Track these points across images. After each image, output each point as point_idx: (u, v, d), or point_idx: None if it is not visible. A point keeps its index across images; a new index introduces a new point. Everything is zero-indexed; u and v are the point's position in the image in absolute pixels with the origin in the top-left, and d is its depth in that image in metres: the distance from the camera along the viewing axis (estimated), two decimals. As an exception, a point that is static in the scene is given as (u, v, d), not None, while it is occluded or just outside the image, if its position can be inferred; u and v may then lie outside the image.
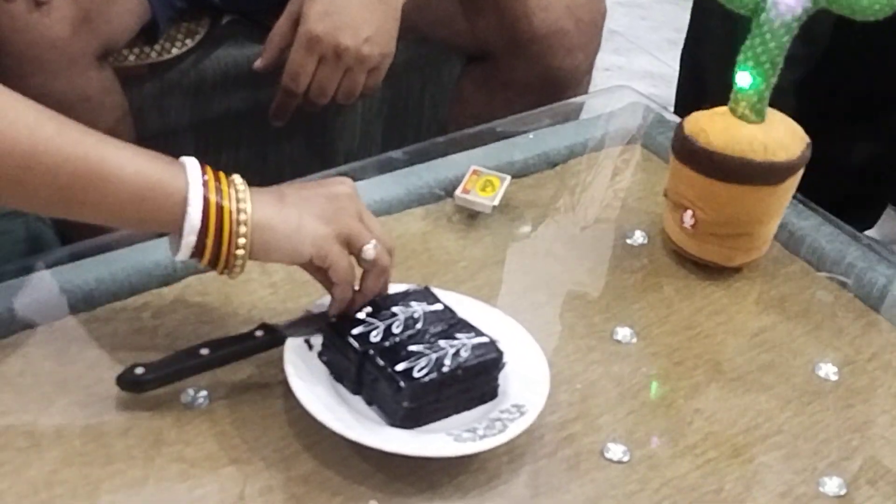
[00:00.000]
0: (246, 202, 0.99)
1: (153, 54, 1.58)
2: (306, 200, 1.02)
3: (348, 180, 1.06)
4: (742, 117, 1.18)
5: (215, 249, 0.99)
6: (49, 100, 1.38)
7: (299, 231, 1.00)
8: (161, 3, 1.54)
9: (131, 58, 1.56)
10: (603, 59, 1.66)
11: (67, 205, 0.98)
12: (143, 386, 0.99)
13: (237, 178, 1.01)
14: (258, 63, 1.48)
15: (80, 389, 1.01)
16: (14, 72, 1.36)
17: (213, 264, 1.00)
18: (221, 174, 1.01)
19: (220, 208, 0.98)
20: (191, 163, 1.00)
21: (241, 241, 0.99)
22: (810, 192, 1.30)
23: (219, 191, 0.99)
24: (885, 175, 2.19)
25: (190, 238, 0.98)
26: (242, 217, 0.98)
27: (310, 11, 1.39)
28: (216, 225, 0.98)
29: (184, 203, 0.97)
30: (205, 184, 0.98)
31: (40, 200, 0.99)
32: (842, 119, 2.03)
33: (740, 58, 1.16)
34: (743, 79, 1.17)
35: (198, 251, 0.99)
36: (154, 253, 1.17)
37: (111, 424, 0.98)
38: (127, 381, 0.99)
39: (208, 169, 1.00)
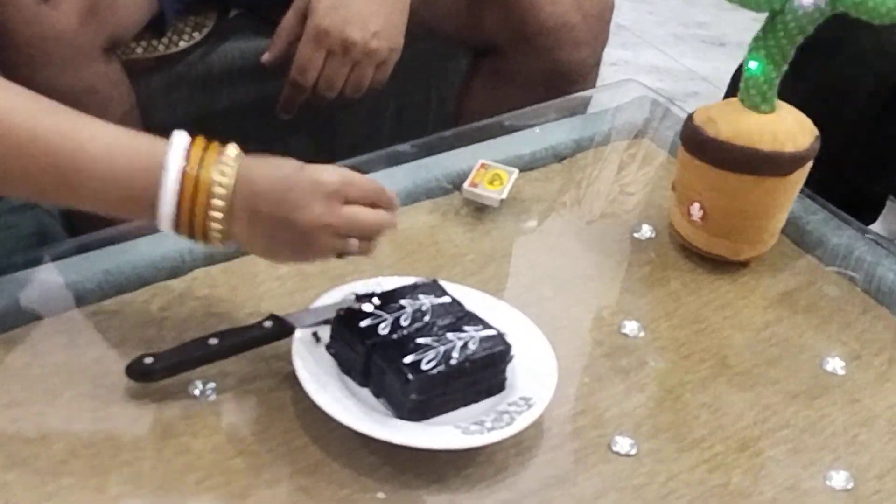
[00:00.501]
0: (227, 172, 0.99)
1: (161, 47, 1.58)
2: (276, 239, 1.01)
3: (334, 182, 1.01)
4: (752, 106, 1.18)
5: (189, 214, 0.98)
6: (56, 92, 1.38)
7: (272, 256, 1.03)
8: (168, -5, 1.54)
9: (139, 50, 1.56)
10: (610, 54, 1.66)
11: (47, 189, 0.99)
12: (152, 375, 0.99)
13: (231, 149, 1.02)
14: (266, 56, 1.48)
15: (87, 381, 1.01)
16: (21, 65, 1.36)
17: (189, 230, 1.00)
18: (215, 144, 1.01)
19: (195, 178, 0.98)
20: (179, 134, 1.00)
21: (218, 203, 0.98)
22: (812, 189, 1.29)
23: (200, 161, 0.99)
24: (887, 172, 2.18)
25: (166, 208, 0.98)
26: (218, 179, 0.98)
27: (318, 5, 1.39)
28: (191, 194, 0.98)
29: (160, 173, 0.97)
30: (186, 155, 0.98)
31: (17, 183, 0.99)
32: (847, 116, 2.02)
33: (751, 45, 1.17)
34: (753, 65, 1.17)
35: (175, 217, 0.99)
36: (161, 245, 1.17)
37: (119, 416, 0.98)
38: (136, 371, 0.99)
39: (199, 139, 1.00)
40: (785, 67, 1.17)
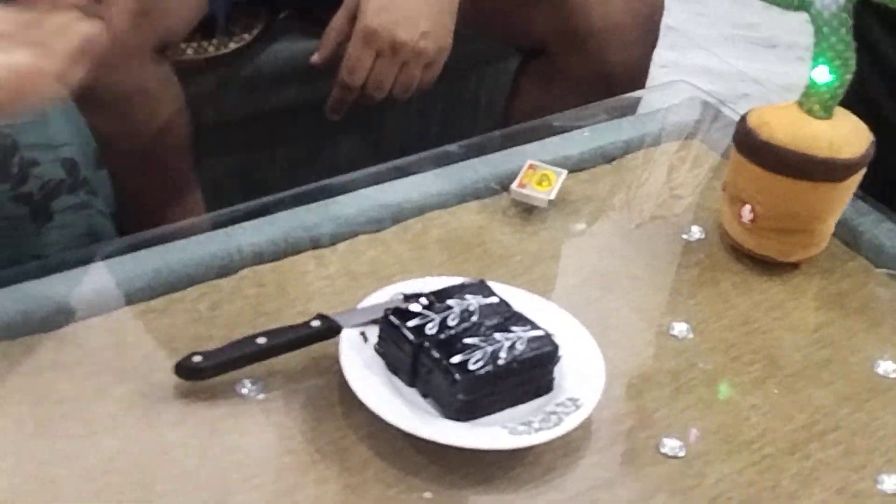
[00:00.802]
0: None
1: (210, 48, 1.59)
2: None
3: None
4: (810, 112, 1.17)
5: None
6: (107, 92, 1.40)
7: None
8: (218, -4, 1.55)
9: (189, 51, 1.57)
10: (659, 55, 1.65)
11: None
12: (201, 373, 1.00)
13: None
14: (315, 57, 1.49)
15: (136, 379, 1.02)
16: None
17: None
18: None
19: None
20: None
21: None
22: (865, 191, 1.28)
23: None
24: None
25: None
26: None
27: (367, 6, 1.39)
28: None
29: None
30: None
31: None
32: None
33: (815, 51, 1.15)
34: (819, 74, 1.15)
35: None
36: (210, 244, 1.18)
37: (167, 414, 0.99)
38: (185, 369, 1.00)
39: None
40: (848, 77, 1.15)
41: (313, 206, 1.25)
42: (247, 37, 1.62)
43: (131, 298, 1.11)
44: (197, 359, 1.00)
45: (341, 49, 1.44)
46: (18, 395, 1.00)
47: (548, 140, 1.39)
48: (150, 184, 1.51)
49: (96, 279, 1.14)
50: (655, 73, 1.67)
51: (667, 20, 1.65)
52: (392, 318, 1.02)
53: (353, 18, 1.42)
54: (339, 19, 1.46)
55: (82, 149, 1.25)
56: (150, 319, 1.08)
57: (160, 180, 1.52)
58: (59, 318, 1.07)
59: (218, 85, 1.63)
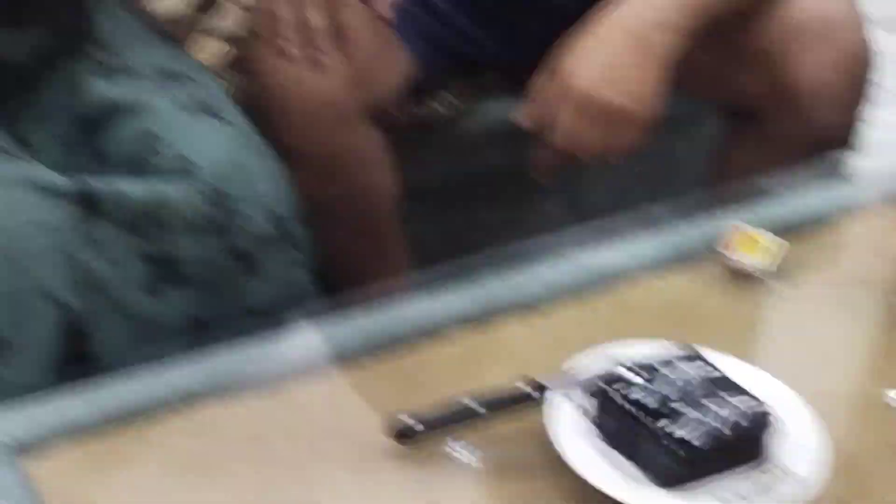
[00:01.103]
0: None
1: (417, 111, 1.61)
2: None
3: None
4: None
5: None
6: (319, 154, 1.43)
7: None
8: (426, 61, 1.57)
9: (397, 115, 1.60)
10: (870, 114, 1.61)
11: None
12: (412, 436, 1.00)
13: None
14: (519, 118, 1.49)
15: (349, 440, 1.03)
16: (285, 128, 1.40)
17: None
18: None
19: None
20: None
21: None
22: None
23: None
24: None
25: None
26: None
27: (575, 68, 1.38)
28: None
29: None
30: None
31: None
32: None
33: None
34: None
35: None
36: (416, 305, 1.19)
37: (382, 477, 1.00)
38: (397, 431, 1.00)
39: None
40: None
41: (518, 267, 1.25)
42: (452, 99, 1.64)
43: (343, 358, 1.12)
44: (408, 420, 1.00)
45: (545, 110, 1.43)
46: (240, 458, 1.02)
47: (756, 202, 1.36)
48: (356, 244, 1.54)
49: (306, 339, 1.16)
50: (866, 133, 1.63)
51: (878, 78, 1.61)
52: (605, 385, 1.01)
53: (558, 79, 1.42)
54: (544, 80, 1.45)
55: (286, 204, 1.28)
56: (360, 380, 1.10)
57: (366, 241, 1.54)
58: (274, 377, 1.09)
59: (424, 147, 1.65)
